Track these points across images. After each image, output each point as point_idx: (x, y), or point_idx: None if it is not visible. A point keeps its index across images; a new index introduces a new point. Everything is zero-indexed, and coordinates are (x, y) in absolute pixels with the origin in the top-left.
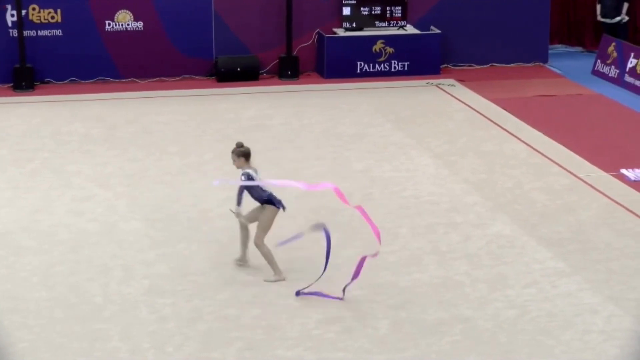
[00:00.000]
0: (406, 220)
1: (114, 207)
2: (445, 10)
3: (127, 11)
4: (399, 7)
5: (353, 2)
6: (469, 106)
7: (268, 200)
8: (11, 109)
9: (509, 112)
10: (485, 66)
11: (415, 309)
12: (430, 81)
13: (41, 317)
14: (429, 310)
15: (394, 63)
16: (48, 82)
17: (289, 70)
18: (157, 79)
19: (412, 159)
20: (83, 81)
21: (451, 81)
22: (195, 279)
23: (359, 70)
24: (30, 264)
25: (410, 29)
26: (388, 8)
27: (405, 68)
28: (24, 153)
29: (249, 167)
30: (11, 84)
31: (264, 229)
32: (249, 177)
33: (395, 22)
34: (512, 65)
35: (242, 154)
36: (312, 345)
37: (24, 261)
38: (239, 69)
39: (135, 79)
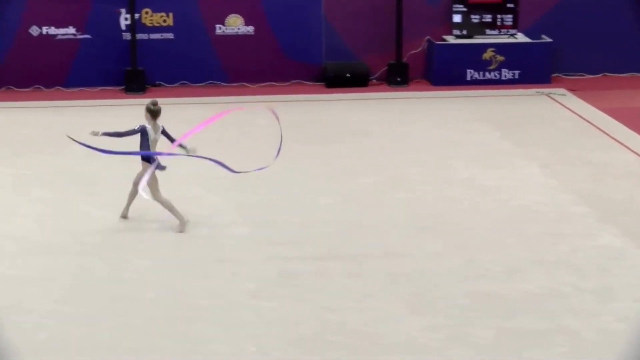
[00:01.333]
0: (512, 229)
1: (219, 210)
2: (556, 18)
3: (238, 15)
4: (510, 15)
5: (463, 9)
6: (579, 115)
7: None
8: (122, 111)
9: (620, 121)
10: (597, 75)
11: (521, 319)
12: (541, 90)
13: (142, 318)
14: (535, 321)
15: (504, 71)
16: (159, 85)
17: (398, 77)
18: (266, 83)
19: (519, 167)
20: (193, 85)
21: (562, 90)
22: (300, 283)
23: (468, 78)
24: (133, 265)
25: (521, 37)
26: (498, 16)
27: (516, 76)
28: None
29: (152, 124)
30: (123, 87)
31: (151, 185)
32: (142, 128)
33: (505, 30)
34: (625, 75)
35: (148, 109)
36: (417, 353)
37: (126, 264)
38: (348, 75)
39: (244, 84)
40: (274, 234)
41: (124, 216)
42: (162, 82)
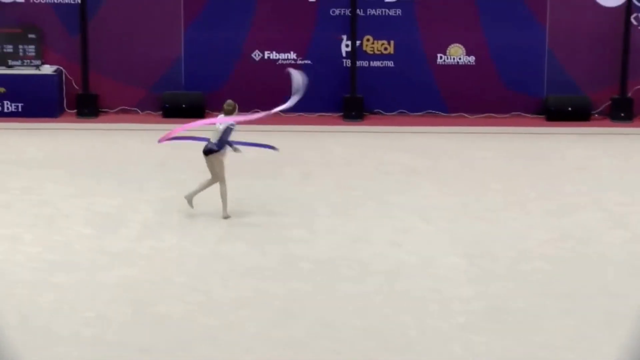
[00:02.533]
0: None
1: (433, 240)
2: None
3: (460, 45)
4: None
5: None
6: None
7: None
8: (338, 138)
9: None
10: None
11: None
12: None
13: (350, 346)
14: None
15: None
16: (377, 113)
17: (622, 112)
18: (485, 114)
19: None
20: (411, 113)
21: None
22: (512, 319)
23: None
24: (346, 293)
25: None
26: None
27: None
28: (346, 181)
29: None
30: (341, 113)
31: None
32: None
33: None
34: None
35: (224, 108)
36: None
37: (340, 289)
38: (569, 109)
39: (463, 114)
40: (487, 267)
41: (189, 200)
42: (380, 110)
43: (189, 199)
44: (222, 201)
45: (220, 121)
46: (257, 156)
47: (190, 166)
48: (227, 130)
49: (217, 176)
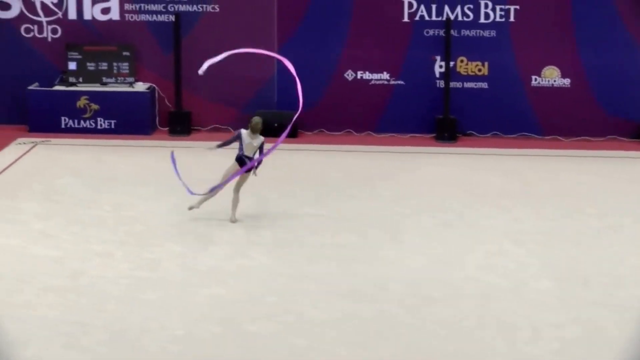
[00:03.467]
0: None
1: (525, 264)
2: None
3: (555, 67)
4: None
5: None
6: None
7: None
8: (431, 159)
9: None
10: None
11: None
12: None
13: None
14: None
15: None
16: (470, 135)
17: None
18: (581, 138)
19: None
20: (505, 135)
21: None
22: (606, 347)
23: None
24: (436, 315)
25: None
26: None
27: None
28: (439, 203)
29: (250, 133)
30: (434, 135)
31: (240, 180)
32: (239, 133)
33: None
34: None
35: (249, 124)
36: None
37: (430, 312)
38: None
39: (558, 137)
40: (580, 292)
41: (233, 220)
42: (473, 132)
43: (232, 219)
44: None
45: (253, 138)
46: (346, 175)
47: (281, 184)
48: (260, 148)
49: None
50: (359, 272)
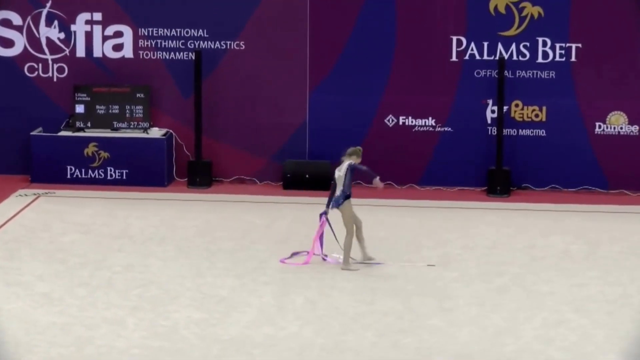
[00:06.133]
0: None
1: (589, 335)
2: None
3: (621, 113)
4: None
5: None
6: None
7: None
8: (482, 215)
9: None
10: None
11: None
12: None
13: None
14: None
15: None
16: (525, 188)
17: None
18: None
19: None
20: (565, 189)
21: None
22: None
23: None
24: None
25: None
26: None
27: None
28: (492, 266)
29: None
30: (485, 188)
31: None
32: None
33: None
34: None
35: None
36: None
37: None
38: None
39: (625, 191)
40: None
41: (369, 258)
42: (529, 185)
43: (365, 258)
44: (345, 252)
45: (339, 169)
46: (388, 234)
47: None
48: (349, 172)
49: (346, 226)
50: (401, 343)
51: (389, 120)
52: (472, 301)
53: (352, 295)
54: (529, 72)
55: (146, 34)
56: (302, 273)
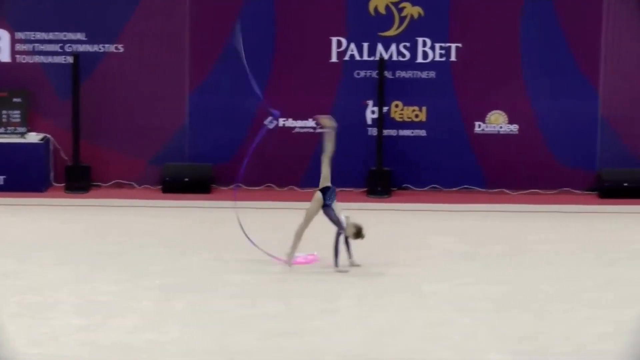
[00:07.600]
0: None
1: (472, 335)
2: None
3: (501, 112)
4: None
5: None
6: None
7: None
8: (363, 216)
9: None
10: None
11: None
12: None
13: None
14: None
15: None
16: (405, 188)
17: None
18: (530, 191)
19: None
20: (445, 189)
21: None
22: None
23: None
24: None
25: None
26: None
27: None
28: (374, 267)
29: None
30: (365, 189)
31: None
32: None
33: None
34: None
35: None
36: None
37: None
38: (625, 184)
39: (504, 190)
40: None
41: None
42: (409, 185)
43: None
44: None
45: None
46: (271, 237)
47: (201, 247)
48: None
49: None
50: (284, 346)
51: (268, 122)
52: (354, 302)
53: (233, 299)
54: (409, 73)
55: (23, 37)
56: (182, 277)
